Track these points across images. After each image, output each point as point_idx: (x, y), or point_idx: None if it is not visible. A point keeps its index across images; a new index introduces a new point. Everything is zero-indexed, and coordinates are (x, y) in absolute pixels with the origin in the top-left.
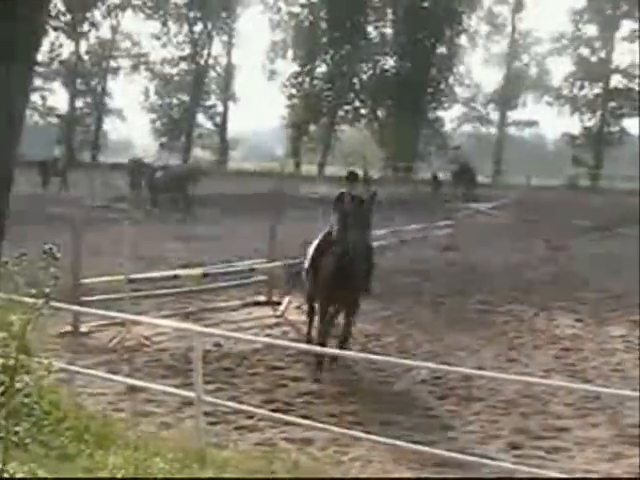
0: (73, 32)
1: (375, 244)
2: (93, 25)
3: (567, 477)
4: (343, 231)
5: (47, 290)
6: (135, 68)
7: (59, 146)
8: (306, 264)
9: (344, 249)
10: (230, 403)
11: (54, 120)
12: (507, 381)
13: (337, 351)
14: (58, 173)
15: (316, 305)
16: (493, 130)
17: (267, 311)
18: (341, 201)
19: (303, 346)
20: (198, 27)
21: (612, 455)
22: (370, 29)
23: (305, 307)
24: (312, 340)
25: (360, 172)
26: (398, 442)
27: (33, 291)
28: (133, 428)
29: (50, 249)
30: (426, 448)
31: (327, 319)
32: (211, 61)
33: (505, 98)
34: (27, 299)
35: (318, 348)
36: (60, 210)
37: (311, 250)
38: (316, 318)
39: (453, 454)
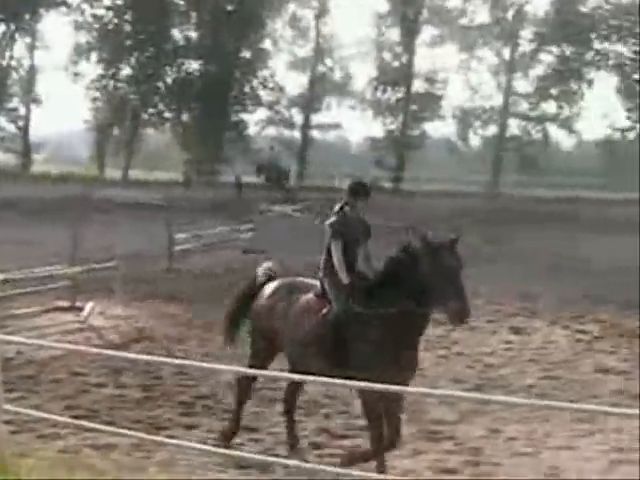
0: None
1: (178, 248)
2: None
3: None
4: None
5: None
6: None
7: None
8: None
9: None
10: (32, 411)
11: None
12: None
13: (143, 356)
14: None
15: None
16: (297, 133)
17: (70, 317)
18: (345, 226)
19: (105, 352)
20: (0, 28)
21: (412, 452)
22: (175, 32)
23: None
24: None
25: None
26: (201, 446)
27: None
28: None
29: None
30: (230, 451)
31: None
32: (13, 63)
33: (309, 101)
34: None
35: (118, 353)
36: None
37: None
38: None
39: (256, 456)
